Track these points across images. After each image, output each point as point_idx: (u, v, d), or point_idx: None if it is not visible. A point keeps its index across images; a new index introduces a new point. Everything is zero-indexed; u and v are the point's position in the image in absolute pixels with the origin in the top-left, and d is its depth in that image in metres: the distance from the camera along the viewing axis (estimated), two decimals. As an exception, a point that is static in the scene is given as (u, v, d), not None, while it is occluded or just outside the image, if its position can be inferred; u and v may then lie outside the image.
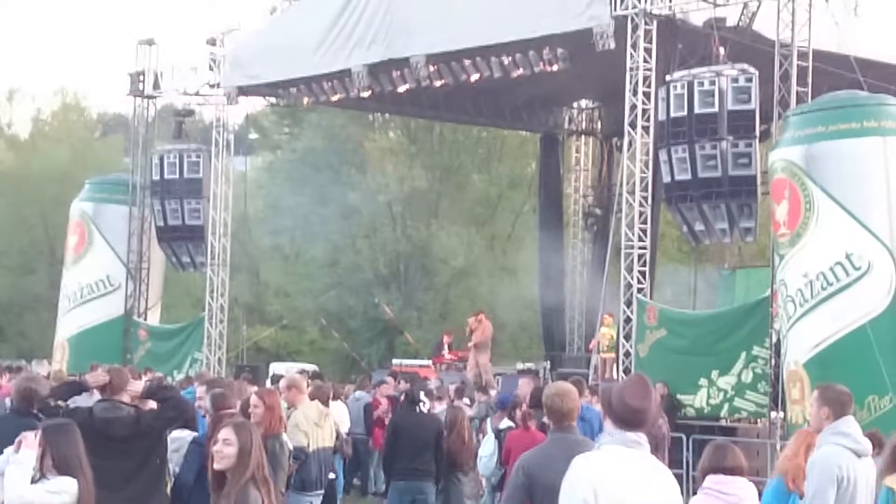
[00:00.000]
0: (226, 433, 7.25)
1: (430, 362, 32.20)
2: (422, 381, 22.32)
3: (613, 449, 5.89)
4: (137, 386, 10.35)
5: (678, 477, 8.87)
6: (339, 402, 20.36)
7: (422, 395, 15.24)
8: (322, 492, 13.27)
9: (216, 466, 7.18)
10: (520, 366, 32.75)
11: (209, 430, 9.80)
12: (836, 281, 20.76)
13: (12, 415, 10.41)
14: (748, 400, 22.65)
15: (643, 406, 5.99)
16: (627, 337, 24.29)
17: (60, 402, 10.19)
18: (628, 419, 5.93)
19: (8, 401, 11.92)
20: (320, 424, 13.04)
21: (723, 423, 23.08)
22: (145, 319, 33.95)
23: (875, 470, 9.19)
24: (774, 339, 22.17)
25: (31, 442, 7.59)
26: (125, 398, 10.20)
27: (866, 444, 8.92)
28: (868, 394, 19.23)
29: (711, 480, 8.20)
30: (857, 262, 20.67)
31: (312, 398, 13.66)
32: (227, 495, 7.14)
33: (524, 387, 18.15)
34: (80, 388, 10.49)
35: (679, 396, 23.01)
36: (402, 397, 16.40)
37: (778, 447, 21.15)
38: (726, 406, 22.91)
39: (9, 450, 7.79)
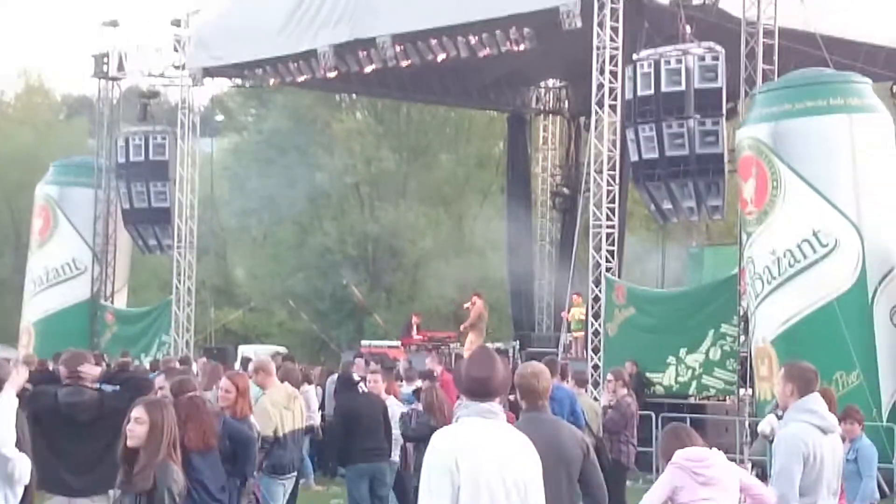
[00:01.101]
0: (137, 412, 7.35)
1: (398, 343, 32.20)
2: (388, 361, 22.37)
3: (470, 421, 5.94)
4: (94, 371, 10.33)
5: (648, 454, 9.01)
6: (308, 385, 20.38)
7: (354, 377, 15.27)
8: (295, 474, 13.28)
9: (128, 444, 7.26)
10: (489, 346, 32.81)
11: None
12: (803, 258, 20.87)
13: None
14: (716, 377, 22.76)
15: (486, 375, 6.06)
16: (596, 316, 24.36)
17: (26, 387, 10.18)
18: (476, 390, 6.01)
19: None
20: (289, 407, 12.99)
21: (691, 400, 23.21)
22: (112, 303, 33.88)
23: (841, 447, 9.27)
24: (742, 317, 22.27)
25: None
26: (88, 381, 10.21)
27: (832, 421, 9.00)
28: (836, 370, 19.35)
29: (685, 455, 8.32)
30: (824, 239, 20.77)
31: (282, 381, 13.63)
32: (143, 470, 7.21)
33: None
34: (49, 377, 10.49)
35: (648, 374, 23.12)
36: (337, 380, 16.40)
37: (746, 424, 21.31)
38: (695, 383, 23.02)
39: None
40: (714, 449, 8.59)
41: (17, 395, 10.14)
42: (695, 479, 8.27)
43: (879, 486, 12.94)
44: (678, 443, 8.43)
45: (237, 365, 24.51)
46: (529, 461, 6.05)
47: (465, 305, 30.43)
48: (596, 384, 22.11)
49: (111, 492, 10.22)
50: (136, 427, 7.24)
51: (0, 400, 7.78)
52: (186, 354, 27.83)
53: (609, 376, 18.98)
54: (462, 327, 30.02)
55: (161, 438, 7.26)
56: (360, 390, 15.57)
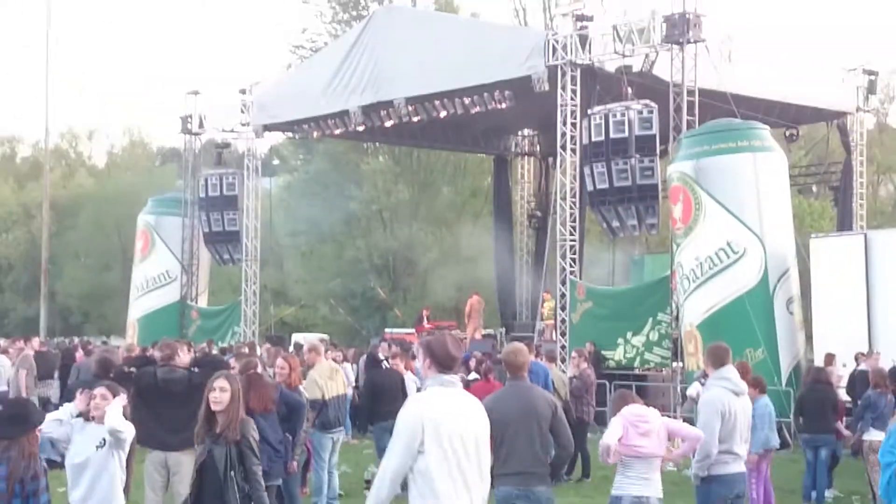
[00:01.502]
0: (220, 383, 7.29)
1: (413, 330, 32.19)
2: (406, 344, 22.35)
3: (437, 389, 5.84)
4: (185, 359, 10.34)
5: (603, 413, 9.03)
6: (346, 362, 20.34)
7: (380, 356, 15.23)
8: (341, 429, 13.25)
9: (213, 408, 7.21)
10: (483, 332, 32.76)
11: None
12: (719, 262, 20.87)
13: (95, 379, 10.43)
14: (655, 354, 22.73)
15: (458, 355, 6.05)
16: (563, 308, 24.33)
17: (132, 369, 10.18)
18: (448, 364, 5.92)
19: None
20: (333, 378, 13.03)
21: (636, 371, 23.11)
22: (196, 303, 33.86)
23: (750, 406, 9.28)
24: (674, 307, 22.24)
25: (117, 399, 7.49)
26: (179, 363, 10.23)
27: (743, 386, 9.01)
28: (745, 347, 19.36)
29: (629, 411, 8.37)
30: (735, 248, 20.78)
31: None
32: (230, 426, 7.18)
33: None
34: (147, 361, 10.49)
35: (603, 352, 23.05)
36: (367, 357, 16.38)
37: (678, 389, 21.28)
38: (639, 359, 22.98)
39: (66, 407, 7.70)
40: (651, 408, 8.67)
41: (125, 376, 10.16)
42: (636, 430, 8.35)
43: (783, 437, 12.91)
44: (624, 402, 8.60)
45: (291, 348, 24.49)
46: (481, 421, 5.96)
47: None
48: (563, 360, 22.04)
49: (196, 447, 10.23)
50: (220, 395, 7.19)
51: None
52: (252, 341, 27.78)
53: (573, 353, 18.98)
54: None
55: (239, 402, 7.25)
56: (384, 367, 15.54)
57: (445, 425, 5.64)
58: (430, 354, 5.96)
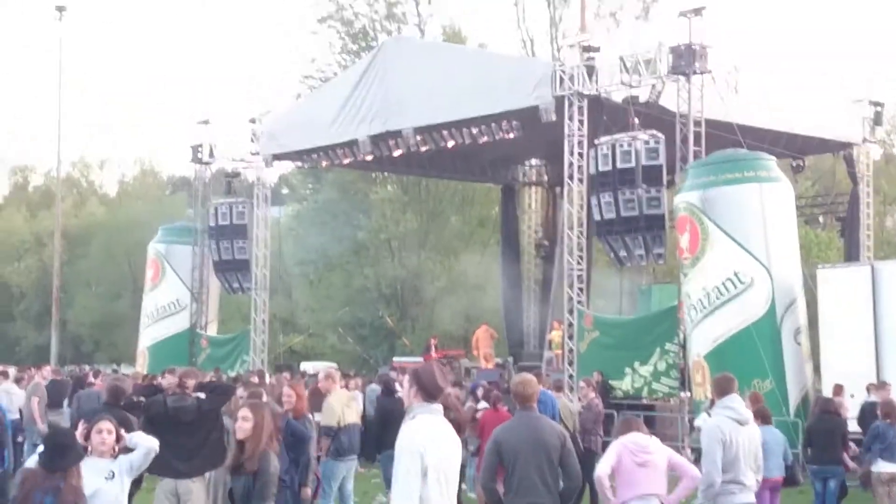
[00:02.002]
0: (243, 412, 7.31)
1: (421, 359, 32.11)
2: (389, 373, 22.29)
3: (427, 416, 6.18)
4: (188, 385, 10.35)
5: (608, 443, 8.99)
6: (357, 391, 20.30)
7: (395, 385, 15.24)
8: (354, 456, 13.21)
9: (237, 437, 7.21)
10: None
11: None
12: (727, 292, 20.80)
13: (105, 406, 10.41)
14: (663, 384, 22.62)
15: (445, 385, 6.41)
16: (571, 337, 24.26)
17: (141, 398, 10.18)
18: (435, 394, 6.25)
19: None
20: (348, 405, 13.03)
21: (644, 401, 23.00)
22: (206, 331, 33.84)
23: (758, 434, 9.23)
24: (682, 337, 22.15)
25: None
26: (189, 391, 10.22)
27: (746, 415, 8.97)
28: (753, 378, 19.25)
29: (628, 439, 8.38)
30: (742, 278, 20.73)
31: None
32: (251, 457, 7.16)
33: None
34: (156, 390, 10.49)
35: (611, 382, 22.95)
36: (381, 387, 16.37)
37: (686, 420, 21.18)
38: (646, 388, 22.87)
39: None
40: (654, 437, 8.69)
41: (134, 405, 10.15)
42: (633, 458, 8.37)
43: (794, 473, 12.78)
44: (627, 428, 8.63)
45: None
46: (458, 448, 6.34)
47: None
48: (571, 389, 21.97)
49: (207, 474, 10.21)
50: (243, 424, 7.20)
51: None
52: (261, 369, 27.69)
53: (581, 383, 18.95)
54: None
55: (262, 432, 7.22)
56: (397, 395, 15.49)
57: (437, 452, 6.01)
58: (418, 383, 6.25)
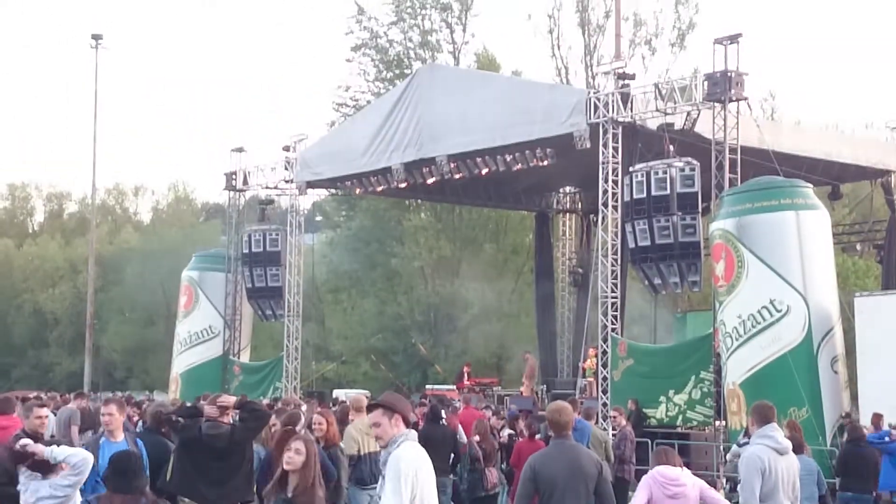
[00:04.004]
0: (297, 444, 7.32)
1: (454, 387, 32.13)
2: (447, 400, 22.30)
3: (411, 443, 6.63)
4: (230, 400, 10.40)
5: (644, 472, 8.96)
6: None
7: (441, 413, 15.24)
8: (377, 485, 13.20)
9: (286, 468, 7.23)
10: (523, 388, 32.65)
11: (278, 442, 9.84)
12: (763, 320, 20.72)
13: (147, 432, 10.51)
14: (697, 412, 22.51)
15: (410, 410, 7.03)
16: (605, 365, 24.19)
17: (179, 419, 10.26)
18: (410, 420, 6.79)
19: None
20: (370, 433, 13.00)
21: (679, 430, 22.87)
22: (239, 358, 33.98)
23: (796, 464, 9.18)
24: (716, 365, 22.05)
25: None
26: (224, 419, 10.26)
27: (786, 444, 8.92)
28: (789, 406, 19.13)
29: (658, 472, 8.39)
30: (778, 305, 20.64)
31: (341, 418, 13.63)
32: (304, 493, 7.18)
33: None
34: (197, 411, 10.54)
35: (645, 410, 22.87)
36: (428, 413, 16.38)
37: (721, 448, 21.04)
38: (681, 417, 22.77)
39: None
40: (685, 469, 8.68)
41: (173, 425, 10.24)
42: (663, 492, 8.35)
43: (826, 500, 12.67)
44: (658, 460, 8.64)
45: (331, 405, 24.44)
46: (432, 469, 6.73)
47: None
48: (605, 418, 21.90)
49: None
50: (295, 457, 7.21)
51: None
52: (294, 397, 27.76)
53: (613, 412, 18.95)
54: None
55: (314, 466, 7.26)
56: (441, 423, 15.49)
57: (423, 477, 6.48)
58: (398, 412, 6.66)
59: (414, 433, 6.71)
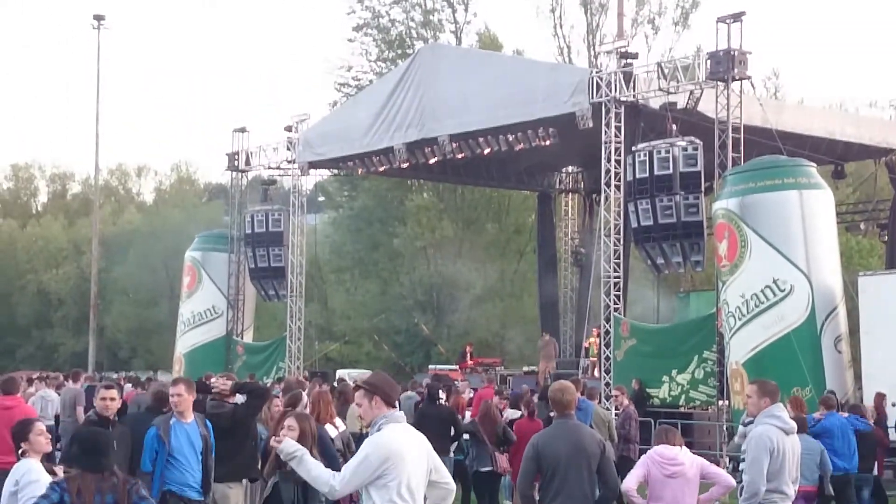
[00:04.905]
0: (290, 422, 7.39)
1: (456, 367, 32.14)
2: (445, 379, 22.28)
3: (393, 424, 6.39)
4: (226, 384, 10.36)
5: (646, 451, 8.95)
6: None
7: (439, 393, 15.21)
8: None
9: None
10: (525, 368, 32.68)
11: (277, 421, 9.82)
12: (766, 300, 20.68)
13: (147, 412, 10.42)
14: (700, 392, 22.51)
15: (398, 390, 6.83)
16: (608, 345, 24.18)
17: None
18: (393, 399, 6.53)
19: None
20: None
21: (682, 409, 22.87)
22: (242, 338, 34.00)
23: (800, 443, 9.14)
24: (720, 345, 22.02)
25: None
26: (230, 398, 10.24)
27: (792, 425, 8.88)
28: (792, 385, 19.06)
29: (657, 451, 8.39)
30: (781, 285, 20.59)
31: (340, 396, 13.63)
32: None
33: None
34: (205, 387, 10.50)
35: (648, 390, 22.85)
36: (425, 393, 16.37)
37: (724, 428, 21.03)
38: (684, 397, 22.77)
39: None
40: (683, 448, 8.69)
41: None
42: (661, 471, 8.35)
43: (824, 484, 12.58)
44: (660, 439, 8.72)
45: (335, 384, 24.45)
46: (425, 447, 6.52)
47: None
48: (608, 397, 21.89)
49: (243, 480, 10.22)
50: (289, 433, 7.24)
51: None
52: (297, 376, 27.78)
53: (615, 391, 18.93)
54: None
55: (309, 441, 7.26)
56: (439, 403, 15.47)
57: (407, 465, 6.25)
58: (377, 393, 6.47)
59: (398, 414, 6.50)
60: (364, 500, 6.33)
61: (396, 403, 6.65)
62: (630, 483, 8.29)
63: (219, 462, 9.81)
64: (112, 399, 9.13)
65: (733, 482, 8.68)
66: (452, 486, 6.66)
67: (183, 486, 9.05)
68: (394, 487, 6.17)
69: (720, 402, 21.93)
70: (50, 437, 7.67)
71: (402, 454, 6.24)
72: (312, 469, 6.41)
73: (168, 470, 9.00)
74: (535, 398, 15.82)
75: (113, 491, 6.39)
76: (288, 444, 6.50)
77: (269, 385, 21.90)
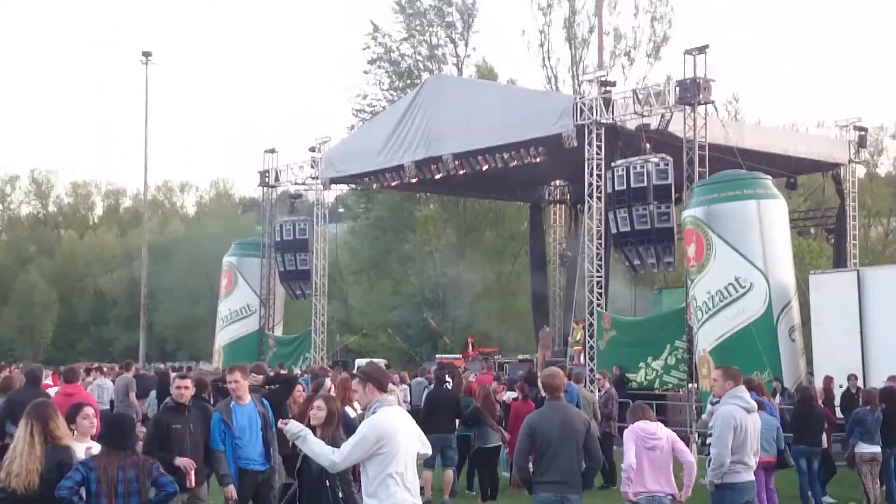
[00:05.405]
0: (319, 403, 7.38)
1: (460, 356, 32.11)
2: (452, 367, 22.24)
3: (386, 407, 6.35)
4: (258, 378, 10.36)
5: (625, 428, 8.95)
6: (404, 385, 20.25)
7: (446, 377, 15.22)
8: None
9: (312, 423, 7.25)
10: (520, 356, 32.64)
11: (305, 403, 9.81)
12: (729, 296, 20.64)
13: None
14: (672, 376, 22.47)
15: (389, 377, 6.81)
16: (591, 336, 24.15)
17: (225, 385, 10.20)
18: (385, 385, 6.52)
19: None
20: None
21: (656, 391, 22.82)
22: (273, 332, 34.00)
23: (759, 420, 9.15)
24: (689, 335, 21.99)
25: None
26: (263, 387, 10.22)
27: (753, 404, 8.90)
28: (752, 370, 18.98)
29: (638, 426, 8.42)
30: (742, 283, 20.57)
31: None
32: (329, 441, 7.18)
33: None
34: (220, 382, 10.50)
35: (627, 374, 22.80)
36: (434, 379, 16.36)
37: (693, 407, 21.00)
38: (658, 380, 22.72)
39: None
40: (659, 423, 8.74)
41: (219, 391, 10.12)
42: (644, 444, 8.37)
43: (785, 456, 12.61)
44: (639, 414, 8.72)
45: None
46: (415, 427, 6.52)
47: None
48: (592, 381, 21.85)
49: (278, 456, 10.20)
50: (318, 413, 7.26)
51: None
52: (321, 365, 27.79)
53: (598, 375, 18.91)
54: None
55: (336, 420, 7.28)
56: (447, 387, 15.44)
57: (401, 441, 6.25)
58: (370, 380, 6.46)
59: (391, 398, 6.48)
60: (364, 472, 6.33)
61: (388, 388, 6.62)
62: (631, 459, 8.30)
63: None
64: (186, 387, 9.04)
65: (693, 460, 8.76)
66: (427, 446, 6.68)
67: (248, 461, 9.10)
68: (388, 461, 6.18)
69: (690, 385, 21.88)
70: (96, 421, 7.64)
71: (394, 432, 6.23)
72: (314, 446, 6.41)
73: (236, 449, 9.08)
74: (521, 382, 15.86)
75: (134, 467, 6.47)
76: (293, 426, 6.48)
77: (295, 374, 21.94)
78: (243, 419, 9.20)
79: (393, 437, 6.21)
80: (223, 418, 9.12)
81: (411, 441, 6.37)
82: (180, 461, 8.55)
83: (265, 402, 9.55)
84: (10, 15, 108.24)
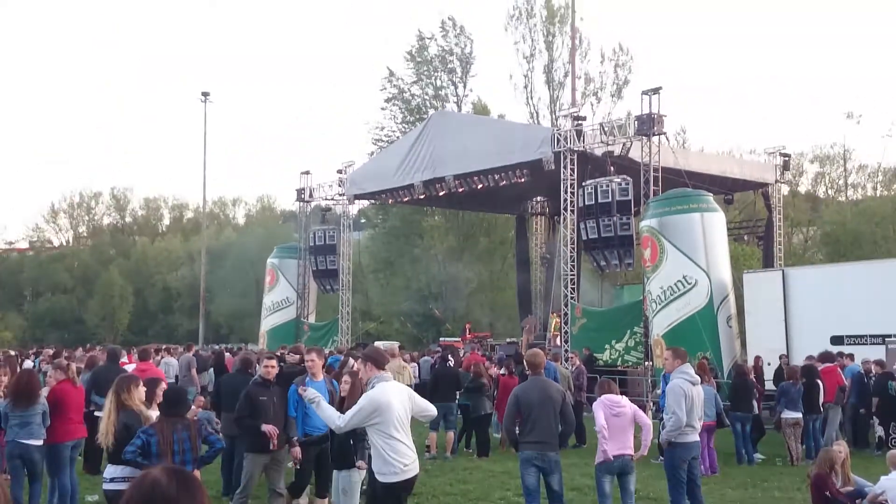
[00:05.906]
0: (346, 377, 7.43)
1: (459, 339, 32.07)
2: (453, 349, 22.24)
3: (383, 382, 6.36)
4: (294, 357, 10.28)
5: (593, 399, 8.95)
6: (414, 363, 20.20)
7: (448, 357, 15.18)
8: None
9: (342, 394, 7.30)
10: (508, 339, 32.59)
11: (334, 377, 9.77)
12: (678, 290, 20.63)
13: (237, 374, 10.42)
14: (632, 355, 22.44)
15: (386, 357, 6.71)
16: (566, 323, 24.12)
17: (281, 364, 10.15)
18: (382, 364, 6.50)
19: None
20: (400, 373, 12.95)
21: (619, 368, 22.81)
22: (307, 320, 33.95)
23: (702, 391, 9.15)
24: (645, 322, 21.96)
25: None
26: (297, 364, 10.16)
27: (697, 378, 8.90)
28: (697, 350, 19.01)
29: (605, 398, 8.41)
30: (689, 280, 20.54)
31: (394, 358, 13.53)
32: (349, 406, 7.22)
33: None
34: (279, 359, 10.47)
35: (595, 354, 22.79)
36: (439, 358, 16.34)
37: (649, 382, 20.98)
38: (620, 359, 22.70)
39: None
40: (624, 395, 8.72)
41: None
42: (610, 412, 8.36)
43: (722, 418, 12.67)
44: (605, 388, 8.64)
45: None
46: (407, 397, 6.45)
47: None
48: (566, 359, 21.84)
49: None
50: (345, 385, 7.34)
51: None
52: (345, 346, 27.76)
53: (571, 355, 18.87)
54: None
55: (358, 390, 7.29)
56: (449, 365, 15.42)
57: (395, 407, 6.23)
58: (370, 360, 6.47)
59: (387, 375, 6.44)
60: (369, 437, 6.36)
61: (385, 366, 6.57)
62: (601, 421, 8.30)
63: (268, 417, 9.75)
64: (273, 367, 8.80)
65: (649, 422, 8.81)
66: (432, 409, 6.62)
67: (313, 429, 8.99)
68: (386, 426, 6.18)
69: (646, 363, 21.89)
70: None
71: (389, 403, 6.21)
72: (326, 410, 6.42)
73: (304, 417, 8.98)
74: (508, 360, 15.86)
75: (186, 429, 6.50)
76: (310, 392, 6.49)
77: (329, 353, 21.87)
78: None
79: (387, 406, 6.19)
80: (297, 390, 9.05)
81: (404, 406, 6.33)
82: (266, 427, 8.42)
83: (335, 383, 9.46)
84: (93, 61, 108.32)
